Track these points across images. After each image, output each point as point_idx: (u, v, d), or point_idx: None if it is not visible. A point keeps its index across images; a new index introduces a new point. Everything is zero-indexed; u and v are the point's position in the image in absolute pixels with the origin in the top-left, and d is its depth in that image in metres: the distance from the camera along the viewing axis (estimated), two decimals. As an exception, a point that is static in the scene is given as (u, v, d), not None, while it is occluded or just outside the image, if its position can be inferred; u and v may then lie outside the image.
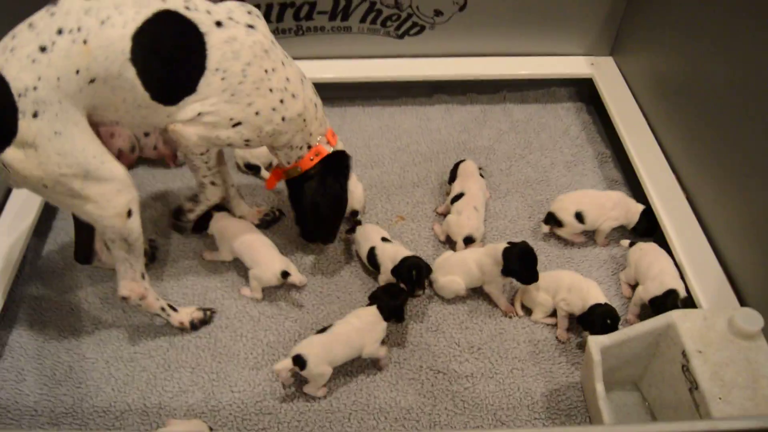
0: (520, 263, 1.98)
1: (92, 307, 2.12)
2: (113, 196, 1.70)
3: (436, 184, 2.54)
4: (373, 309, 1.93)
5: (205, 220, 2.21)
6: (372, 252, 2.13)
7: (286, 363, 1.82)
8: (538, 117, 2.84)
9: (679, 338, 1.67)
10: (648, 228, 2.24)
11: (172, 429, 1.75)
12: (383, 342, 1.94)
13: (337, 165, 2.07)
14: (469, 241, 2.22)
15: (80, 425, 1.85)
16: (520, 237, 2.33)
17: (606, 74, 2.79)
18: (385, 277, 2.10)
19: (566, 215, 2.25)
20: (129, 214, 1.74)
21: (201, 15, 1.73)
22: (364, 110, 2.86)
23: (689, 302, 1.94)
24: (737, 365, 1.60)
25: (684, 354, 1.64)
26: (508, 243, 2.02)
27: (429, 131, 2.77)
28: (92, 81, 1.61)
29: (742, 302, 1.91)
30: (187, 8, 1.72)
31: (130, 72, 1.66)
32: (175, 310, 2.03)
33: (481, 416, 1.86)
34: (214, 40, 1.73)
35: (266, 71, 1.80)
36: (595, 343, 1.72)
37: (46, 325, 2.08)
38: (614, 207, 2.26)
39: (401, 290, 1.98)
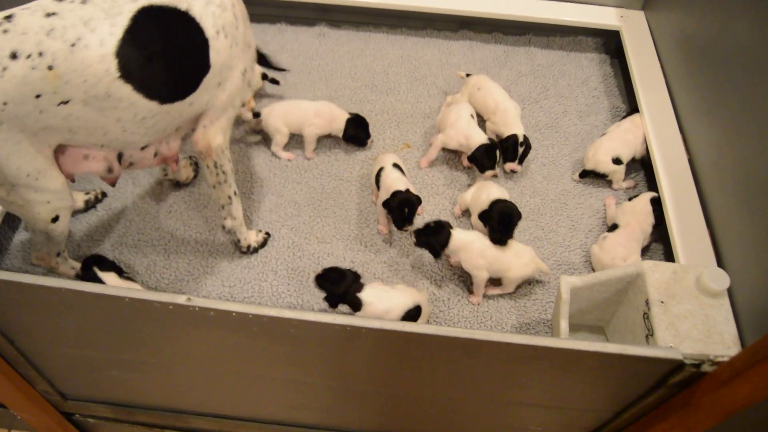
0: (497, 219, 2.04)
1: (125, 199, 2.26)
2: (39, 206, 1.63)
3: (446, 118, 2.59)
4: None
5: None
6: (379, 173, 2.20)
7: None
8: (560, 64, 2.84)
9: (645, 287, 1.73)
10: None
11: None
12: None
13: None
14: None
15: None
16: (520, 177, 2.39)
17: (634, 28, 2.76)
18: (381, 201, 2.16)
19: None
20: (54, 219, 1.70)
21: None
22: (387, 37, 2.88)
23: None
24: (695, 319, 1.67)
25: (647, 302, 1.72)
26: (503, 199, 2.09)
27: (449, 65, 2.80)
28: (65, 103, 1.45)
29: (720, 264, 1.97)
30: None
31: (124, 90, 1.50)
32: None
33: (451, 338, 1.97)
34: (196, 10, 1.61)
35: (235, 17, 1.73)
36: (566, 282, 1.80)
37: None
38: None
39: (342, 276, 1.88)
